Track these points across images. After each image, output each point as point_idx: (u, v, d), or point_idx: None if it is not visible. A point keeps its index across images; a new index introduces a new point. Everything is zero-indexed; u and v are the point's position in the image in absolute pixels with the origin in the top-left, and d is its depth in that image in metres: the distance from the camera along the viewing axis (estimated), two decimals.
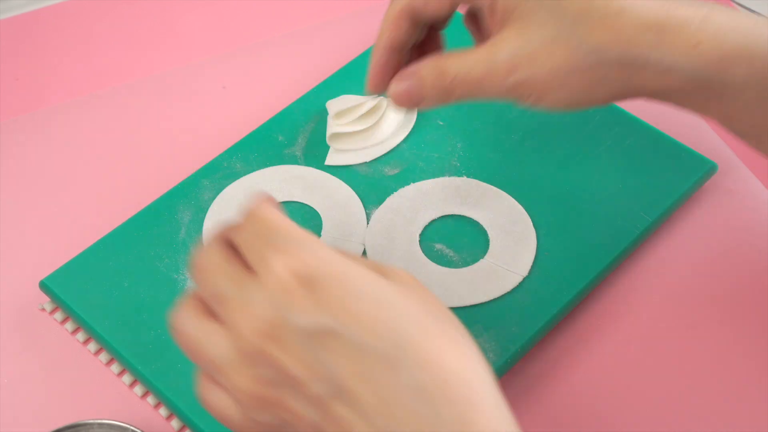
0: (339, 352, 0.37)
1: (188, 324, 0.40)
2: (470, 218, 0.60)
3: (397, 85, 0.50)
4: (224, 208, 0.60)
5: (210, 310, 0.40)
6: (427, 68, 0.49)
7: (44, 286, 0.57)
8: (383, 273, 0.39)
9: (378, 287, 0.38)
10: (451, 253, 0.59)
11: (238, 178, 0.62)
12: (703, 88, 0.45)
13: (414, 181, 0.62)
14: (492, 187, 0.61)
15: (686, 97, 0.46)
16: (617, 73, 0.45)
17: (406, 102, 0.50)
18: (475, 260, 0.58)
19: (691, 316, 0.59)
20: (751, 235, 0.63)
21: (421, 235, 0.59)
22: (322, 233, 0.59)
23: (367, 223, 0.60)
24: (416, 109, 0.55)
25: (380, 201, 0.61)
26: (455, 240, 0.59)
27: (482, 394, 0.37)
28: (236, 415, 0.40)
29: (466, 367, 0.37)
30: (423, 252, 0.58)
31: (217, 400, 0.40)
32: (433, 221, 0.60)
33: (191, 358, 0.41)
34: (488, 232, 0.59)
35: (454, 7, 0.50)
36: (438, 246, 0.59)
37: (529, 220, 0.60)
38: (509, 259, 0.58)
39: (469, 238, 0.60)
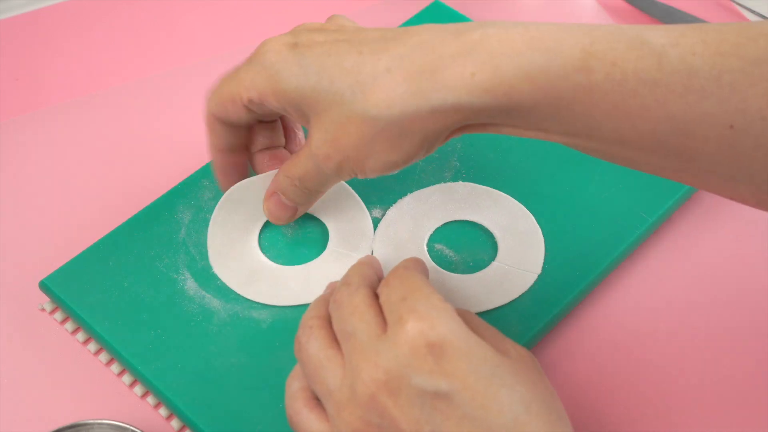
0: (449, 415, 0.41)
1: (314, 345, 0.45)
2: (473, 222, 0.60)
3: (268, 205, 0.55)
4: (231, 212, 0.59)
5: (336, 339, 0.45)
6: (279, 180, 0.53)
7: (44, 286, 0.57)
8: (504, 347, 0.43)
9: (496, 365, 0.41)
10: (461, 259, 0.59)
11: None
12: (498, 113, 0.44)
13: (414, 181, 0.62)
14: (489, 188, 0.61)
15: (492, 120, 0.45)
16: (413, 125, 0.45)
17: (286, 215, 0.55)
18: (485, 264, 0.58)
19: (691, 315, 0.59)
20: (751, 235, 0.63)
21: (427, 244, 0.59)
22: (329, 245, 0.59)
23: (374, 231, 0.59)
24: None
25: (380, 201, 0.61)
26: (462, 245, 0.59)
27: None
28: None
29: None
30: (433, 261, 0.58)
31: (311, 425, 0.44)
32: (437, 229, 0.60)
33: (307, 376, 0.45)
34: (494, 234, 0.59)
35: (254, 115, 0.52)
36: (447, 252, 0.59)
37: (532, 217, 0.60)
38: (520, 259, 0.58)
39: (475, 242, 0.60)
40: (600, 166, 0.62)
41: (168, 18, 0.77)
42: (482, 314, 0.56)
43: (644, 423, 0.55)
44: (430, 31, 0.46)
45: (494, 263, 0.58)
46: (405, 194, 0.61)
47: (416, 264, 0.47)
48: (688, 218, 0.63)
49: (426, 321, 0.41)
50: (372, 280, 0.47)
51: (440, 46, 0.44)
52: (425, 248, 0.59)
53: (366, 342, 0.42)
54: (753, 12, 0.77)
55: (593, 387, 0.56)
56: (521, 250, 0.58)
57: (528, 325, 0.56)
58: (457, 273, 0.58)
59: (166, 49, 0.75)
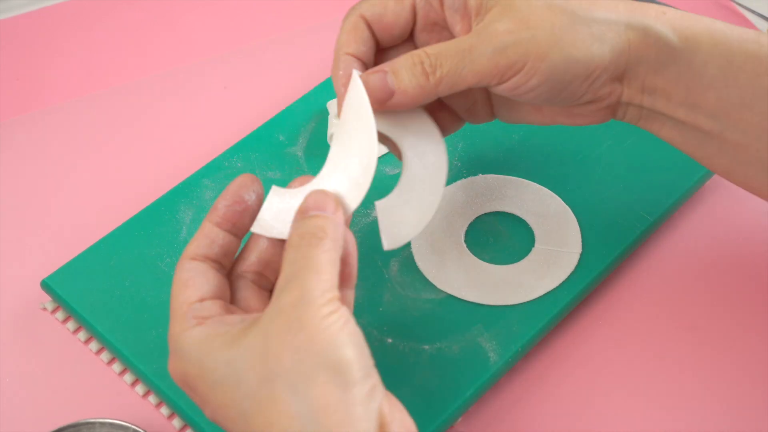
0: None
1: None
2: (504, 212, 0.60)
3: (368, 76, 0.47)
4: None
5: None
6: (402, 57, 0.47)
7: (46, 285, 0.57)
8: (251, 324, 0.41)
9: (227, 364, 0.41)
10: (502, 250, 0.59)
11: None
12: (674, 60, 0.48)
13: None
14: (510, 177, 0.62)
15: (661, 71, 0.48)
16: (605, 31, 0.47)
17: (379, 95, 0.47)
18: (526, 251, 0.59)
19: (690, 315, 0.59)
20: (751, 234, 0.63)
21: (465, 241, 0.59)
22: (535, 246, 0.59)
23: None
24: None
25: None
26: (499, 237, 0.60)
27: None
28: None
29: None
30: (476, 256, 0.58)
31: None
32: (471, 224, 0.60)
33: None
34: (527, 220, 0.60)
35: (411, 19, 0.49)
36: (487, 246, 0.59)
37: (559, 198, 0.60)
38: (559, 240, 0.59)
39: (511, 231, 0.60)
40: (600, 167, 0.63)
41: (168, 18, 0.77)
42: (472, 309, 0.56)
43: (647, 422, 0.55)
44: None
45: (535, 248, 0.59)
46: None
47: (178, 273, 0.45)
48: (689, 218, 0.63)
49: (170, 361, 0.43)
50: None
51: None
52: (464, 245, 0.59)
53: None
54: (753, 12, 0.77)
55: (594, 385, 0.56)
56: (557, 232, 0.59)
57: (527, 324, 0.56)
58: (503, 264, 0.58)
59: (166, 49, 0.75)
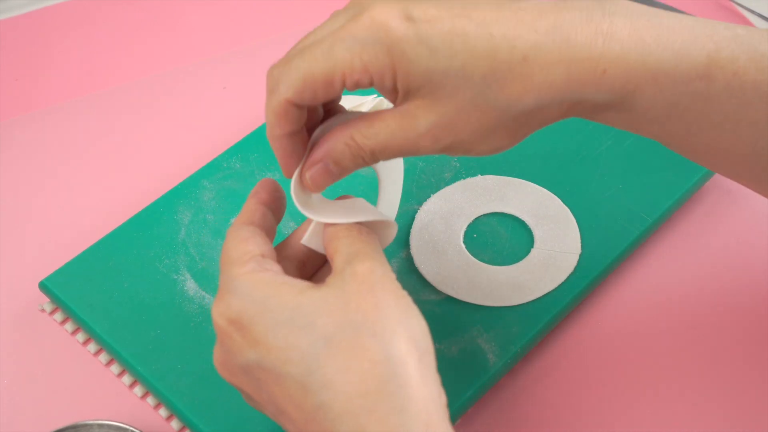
0: (268, 380, 0.42)
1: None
2: (503, 213, 0.60)
3: (312, 174, 0.47)
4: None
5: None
6: (338, 146, 0.46)
7: (44, 286, 0.57)
8: (318, 285, 0.43)
9: (292, 308, 0.42)
10: (501, 251, 0.59)
11: (238, 178, 0.62)
12: (612, 109, 0.45)
13: (414, 182, 0.62)
14: (509, 178, 0.62)
15: (598, 115, 0.46)
16: (536, 115, 0.45)
17: (325, 184, 0.47)
18: (525, 252, 0.59)
19: (690, 316, 0.59)
20: (750, 235, 0.63)
21: (464, 242, 0.59)
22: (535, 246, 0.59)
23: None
24: None
25: None
26: (498, 237, 0.60)
27: (382, 408, 0.40)
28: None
29: (362, 382, 0.40)
30: (475, 257, 0.58)
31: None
32: (470, 225, 0.60)
33: None
34: (526, 221, 0.60)
35: (342, 90, 0.46)
36: (486, 247, 0.59)
37: (558, 199, 0.60)
38: (558, 242, 0.59)
39: (510, 232, 0.60)
40: (600, 167, 0.62)
41: (168, 18, 0.77)
42: (472, 310, 0.56)
43: (646, 422, 0.55)
44: (558, 13, 0.44)
45: (534, 249, 0.59)
46: (404, 195, 0.61)
47: (241, 221, 0.47)
48: (688, 219, 0.63)
49: (222, 299, 0.43)
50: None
51: (573, 34, 0.44)
52: (463, 246, 0.59)
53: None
54: (753, 12, 0.77)
55: (594, 386, 0.56)
56: (557, 233, 0.59)
57: (527, 325, 0.56)
58: (502, 265, 0.58)
59: (166, 49, 0.75)
